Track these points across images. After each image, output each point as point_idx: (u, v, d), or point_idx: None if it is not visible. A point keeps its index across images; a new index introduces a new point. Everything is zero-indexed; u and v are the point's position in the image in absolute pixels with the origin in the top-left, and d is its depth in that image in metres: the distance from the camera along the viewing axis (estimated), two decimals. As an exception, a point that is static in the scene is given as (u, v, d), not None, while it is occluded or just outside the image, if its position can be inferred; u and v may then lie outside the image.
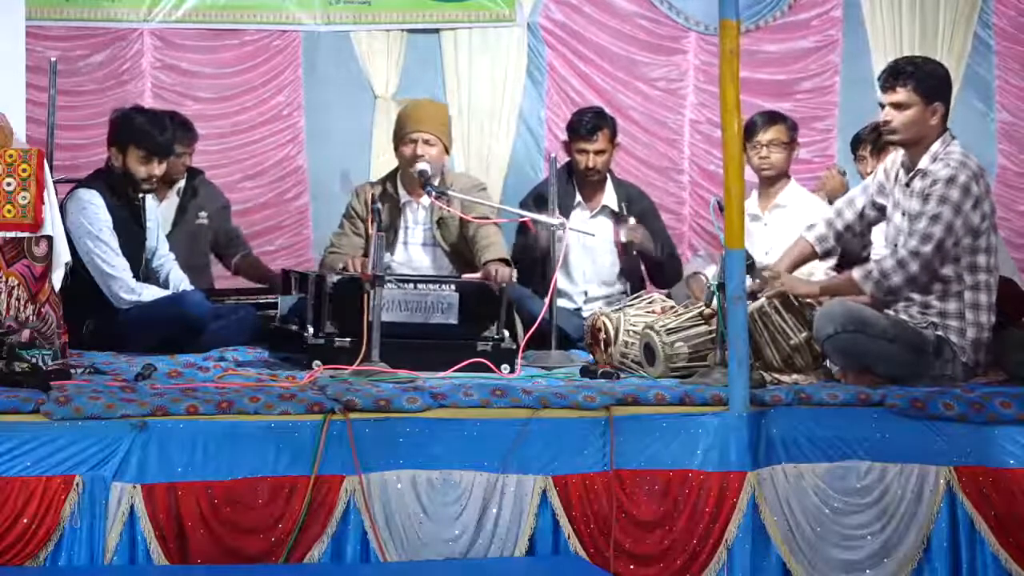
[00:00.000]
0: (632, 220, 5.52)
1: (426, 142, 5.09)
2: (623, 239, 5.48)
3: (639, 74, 6.88)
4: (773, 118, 5.49)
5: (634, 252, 5.55)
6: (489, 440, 3.72)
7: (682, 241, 6.74)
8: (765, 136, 5.43)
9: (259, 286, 5.69)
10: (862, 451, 3.88)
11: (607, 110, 5.92)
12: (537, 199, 5.54)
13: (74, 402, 3.56)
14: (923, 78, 4.31)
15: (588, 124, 5.56)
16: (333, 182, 6.51)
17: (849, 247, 4.89)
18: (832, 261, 4.88)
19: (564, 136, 5.72)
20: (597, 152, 5.56)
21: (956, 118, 6.60)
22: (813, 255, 4.58)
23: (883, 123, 4.39)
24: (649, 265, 5.65)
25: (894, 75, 4.33)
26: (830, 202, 5.60)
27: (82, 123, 6.24)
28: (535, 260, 5.39)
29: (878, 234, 4.77)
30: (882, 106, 4.38)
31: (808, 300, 4.42)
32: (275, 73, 6.57)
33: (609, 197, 5.67)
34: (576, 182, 5.64)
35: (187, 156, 5.69)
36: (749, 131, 5.42)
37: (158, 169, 5.01)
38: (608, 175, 5.71)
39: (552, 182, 5.13)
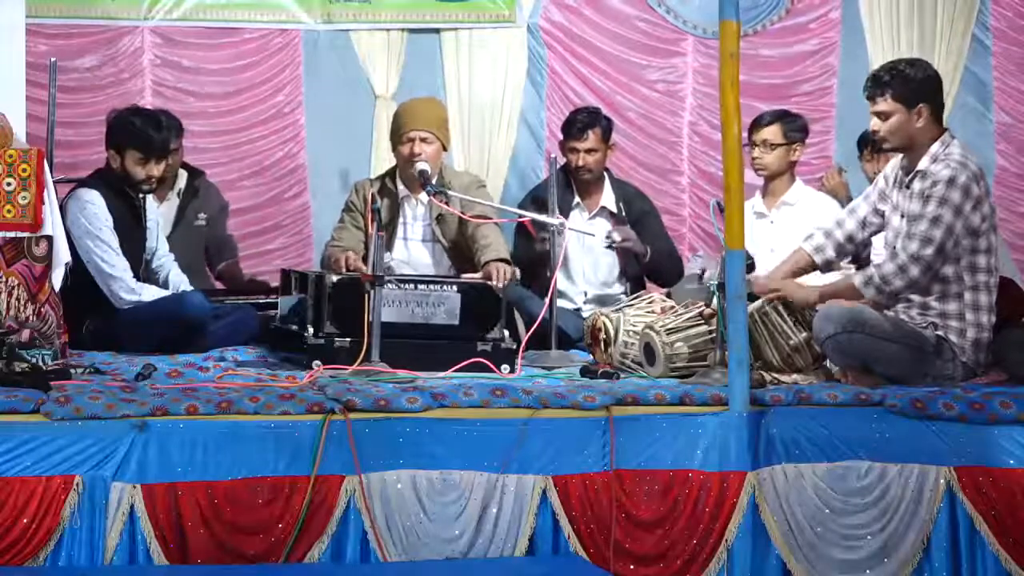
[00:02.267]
0: (619, 229, 5.51)
1: (423, 140, 5.11)
2: (616, 239, 5.47)
3: (638, 76, 6.88)
4: (775, 117, 5.48)
5: (613, 247, 5.53)
6: (489, 440, 3.72)
7: (682, 242, 6.74)
8: (759, 136, 5.44)
9: (261, 285, 5.69)
10: (862, 451, 3.88)
11: (604, 111, 5.93)
12: (535, 201, 5.55)
13: (74, 402, 3.56)
14: (899, 85, 4.31)
15: (579, 123, 5.58)
16: (333, 181, 6.51)
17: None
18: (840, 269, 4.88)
19: (565, 154, 5.71)
20: (587, 151, 5.56)
21: (954, 119, 6.66)
22: (811, 266, 4.57)
23: (872, 133, 4.45)
24: (643, 268, 5.63)
25: (874, 85, 4.36)
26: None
27: (83, 120, 6.24)
28: (534, 263, 5.40)
29: (877, 237, 4.77)
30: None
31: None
32: (275, 71, 6.57)
33: (607, 198, 5.67)
34: (573, 183, 5.65)
35: (179, 151, 5.68)
36: (752, 124, 5.43)
37: (156, 170, 5.01)
38: (607, 176, 5.72)
39: (552, 183, 5.14)
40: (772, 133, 5.44)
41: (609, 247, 5.51)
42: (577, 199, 5.65)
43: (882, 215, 4.51)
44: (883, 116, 4.34)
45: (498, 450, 3.71)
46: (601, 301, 5.50)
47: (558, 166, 5.29)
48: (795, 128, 5.48)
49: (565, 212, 5.39)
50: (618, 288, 5.66)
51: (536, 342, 4.77)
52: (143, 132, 4.95)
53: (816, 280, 4.63)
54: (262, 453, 3.58)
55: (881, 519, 3.84)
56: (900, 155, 4.47)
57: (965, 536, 3.85)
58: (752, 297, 4.20)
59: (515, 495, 3.70)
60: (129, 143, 4.94)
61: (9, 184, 3.97)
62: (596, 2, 6.82)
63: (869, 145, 5.59)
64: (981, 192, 4.30)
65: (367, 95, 6.63)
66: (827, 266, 4.61)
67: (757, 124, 5.46)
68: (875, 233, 4.58)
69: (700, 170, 6.93)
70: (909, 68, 4.37)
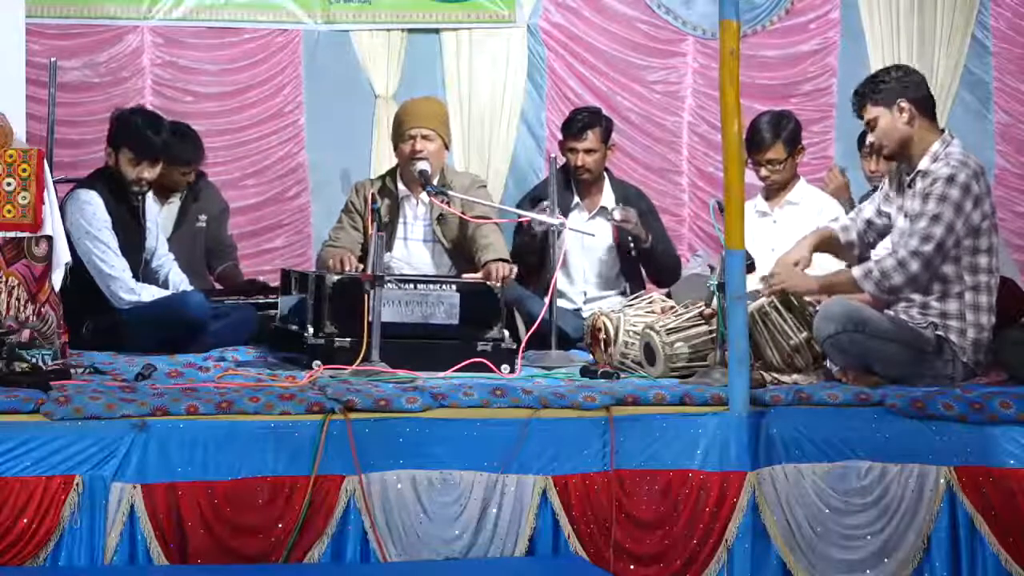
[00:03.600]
0: (623, 208, 5.50)
1: (424, 138, 5.10)
2: (616, 217, 5.46)
3: (637, 77, 6.89)
4: (772, 135, 5.41)
5: (627, 239, 5.52)
6: (489, 440, 3.72)
7: (682, 242, 6.74)
8: (763, 157, 5.40)
9: (259, 285, 5.69)
10: (862, 451, 3.88)
11: (605, 111, 5.93)
12: (534, 201, 5.55)
13: (74, 402, 3.56)
14: (875, 90, 4.34)
15: (579, 123, 5.59)
16: (334, 181, 6.51)
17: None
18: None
19: (563, 153, 5.71)
20: (586, 151, 5.56)
21: (954, 119, 6.66)
22: (836, 242, 4.53)
23: (870, 145, 4.58)
24: (641, 256, 5.62)
25: (855, 99, 4.40)
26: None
27: (83, 119, 6.25)
28: (533, 260, 5.39)
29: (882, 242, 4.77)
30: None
31: (808, 300, 4.42)
32: (276, 71, 6.57)
33: (607, 199, 5.67)
34: (573, 183, 5.64)
35: (191, 174, 5.67)
36: (752, 144, 5.39)
37: (148, 172, 4.97)
38: (606, 177, 5.72)
39: (552, 183, 5.13)
40: (776, 152, 5.40)
41: (620, 231, 5.48)
42: (576, 199, 5.65)
43: (887, 217, 4.51)
44: (871, 125, 4.39)
45: (498, 450, 3.71)
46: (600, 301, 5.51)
47: (558, 166, 5.29)
48: (793, 135, 5.44)
49: (565, 212, 5.39)
50: (618, 288, 5.65)
51: (536, 342, 4.77)
52: (140, 133, 4.94)
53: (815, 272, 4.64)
54: (262, 453, 3.58)
55: (881, 519, 3.84)
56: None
57: (965, 536, 3.84)
58: (752, 296, 4.20)
59: (515, 495, 3.70)
60: (124, 142, 4.93)
61: (9, 184, 3.97)
62: (596, 3, 6.82)
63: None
64: (981, 190, 4.30)
65: (367, 95, 6.63)
66: (850, 247, 4.56)
67: (758, 145, 5.38)
68: (882, 235, 4.56)
69: (700, 170, 6.93)
70: (883, 73, 4.42)
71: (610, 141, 5.69)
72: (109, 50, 6.39)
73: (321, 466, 3.57)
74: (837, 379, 4.28)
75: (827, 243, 4.54)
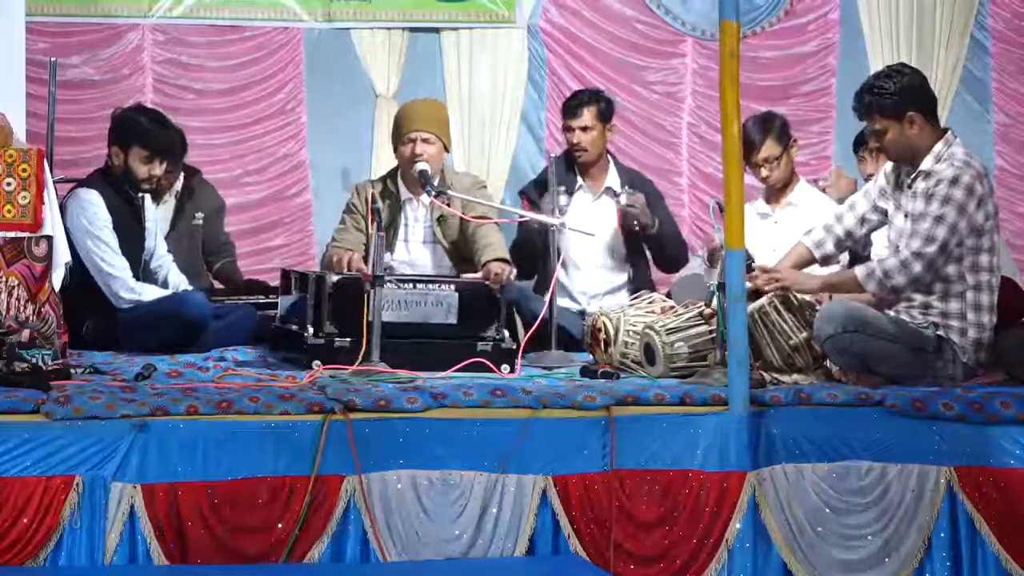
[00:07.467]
0: (630, 193, 5.47)
1: (424, 141, 5.10)
2: (623, 202, 5.44)
3: (637, 77, 6.90)
4: (763, 133, 5.35)
5: (632, 224, 5.47)
6: (489, 440, 3.72)
7: (682, 242, 6.75)
8: (759, 157, 5.38)
9: (259, 285, 5.69)
10: (862, 451, 3.88)
11: (606, 93, 5.87)
12: (538, 185, 5.52)
13: (74, 402, 3.56)
14: (884, 102, 4.32)
15: (575, 102, 5.58)
16: (335, 179, 6.52)
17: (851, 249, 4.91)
18: (840, 264, 4.88)
19: (563, 135, 5.71)
20: (582, 128, 5.51)
21: (954, 119, 6.67)
22: (811, 260, 4.58)
23: (877, 150, 4.55)
24: (647, 240, 5.58)
25: (859, 107, 4.38)
26: (840, 202, 5.59)
27: (84, 117, 6.25)
28: (535, 254, 5.37)
29: (878, 236, 4.78)
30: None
31: (808, 299, 4.43)
32: (277, 69, 6.58)
33: (612, 180, 5.63)
34: (576, 166, 5.61)
35: (174, 174, 5.66)
36: (745, 149, 5.37)
37: (159, 169, 5.00)
38: (611, 160, 5.69)
39: (552, 184, 5.12)
40: (770, 148, 5.35)
41: (625, 217, 5.44)
42: (580, 182, 5.61)
43: (883, 213, 4.51)
44: (879, 134, 4.38)
45: (498, 450, 3.71)
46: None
47: (557, 155, 5.28)
48: (784, 132, 5.41)
49: (569, 194, 5.37)
50: (623, 276, 5.62)
51: (538, 343, 4.77)
52: (150, 130, 4.95)
53: (817, 272, 4.64)
54: (262, 453, 3.58)
55: (882, 519, 3.84)
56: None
57: (966, 536, 3.85)
58: (753, 296, 4.20)
59: (515, 495, 3.70)
60: (135, 140, 4.94)
61: (9, 184, 3.97)
62: (596, 3, 6.84)
63: (865, 145, 5.58)
64: (985, 191, 4.31)
65: (368, 94, 6.64)
66: (825, 261, 4.62)
67: (751, 147, 5.30)
68: (874, 230, 4.59)
69: (699, 171, 6.94)
70: (886, 81, 4.35)
71: (610, 123, 5.62)
72: (110, 48, 6.40)
73: (321, 466, 3.58)
74: (837, 379, 4.28)
75: (803, 264, 4.54)
